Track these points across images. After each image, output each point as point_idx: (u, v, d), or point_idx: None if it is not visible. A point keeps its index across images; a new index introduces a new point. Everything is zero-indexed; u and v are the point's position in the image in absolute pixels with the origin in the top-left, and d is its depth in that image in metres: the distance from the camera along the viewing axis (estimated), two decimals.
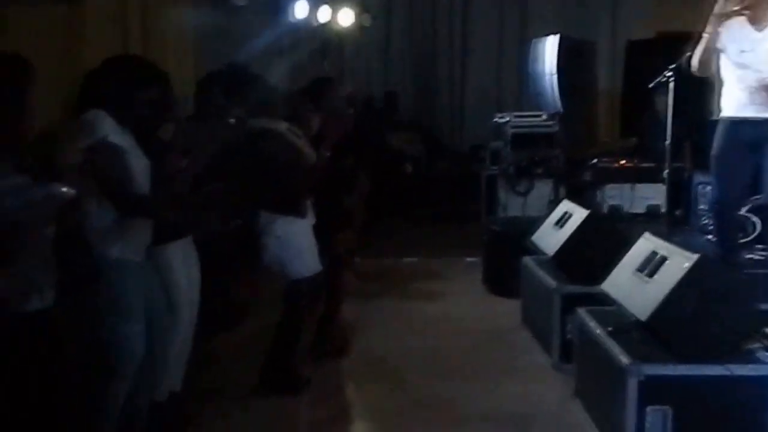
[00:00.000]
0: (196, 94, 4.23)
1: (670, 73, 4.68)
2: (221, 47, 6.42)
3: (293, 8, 7.83)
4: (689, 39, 4.22)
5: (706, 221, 5.52)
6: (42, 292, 2.44)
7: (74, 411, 2.72)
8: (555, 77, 7.25)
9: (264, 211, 3.97)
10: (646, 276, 3.44)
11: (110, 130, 2.89)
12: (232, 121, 4.57)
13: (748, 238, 5.16)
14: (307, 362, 4.18)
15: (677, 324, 3.13)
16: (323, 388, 4.11)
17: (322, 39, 8.49)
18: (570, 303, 4.10)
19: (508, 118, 7.16)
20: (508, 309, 5.29)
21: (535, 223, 5.30)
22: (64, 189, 2.41)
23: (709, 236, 5.02)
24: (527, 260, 5.01)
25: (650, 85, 4.97)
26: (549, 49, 7.46)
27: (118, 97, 3.01)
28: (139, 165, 3.02)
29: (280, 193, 3.92)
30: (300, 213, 3.98)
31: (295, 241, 3.95)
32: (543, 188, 6.79)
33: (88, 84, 3.16)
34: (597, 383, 3.54)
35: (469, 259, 6.70)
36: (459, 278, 6.39)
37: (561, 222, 4.90)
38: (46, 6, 5.08)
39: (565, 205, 5.11)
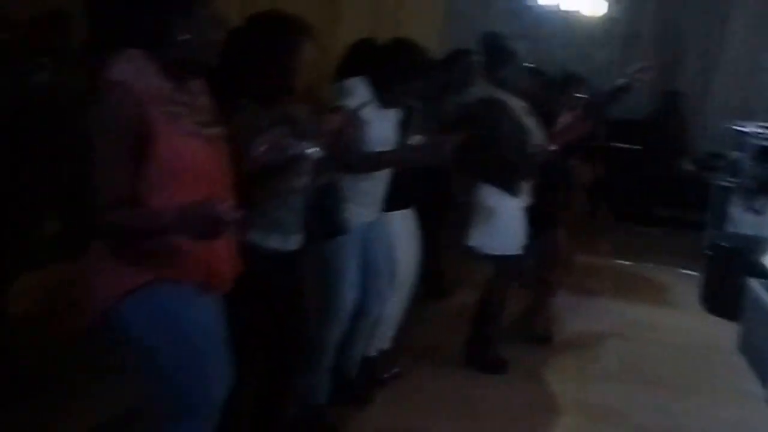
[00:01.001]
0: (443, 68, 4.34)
1: None
2: (467, 25, 6.51)
3: None
4: None
5: None
6: (287, 236, 2.65)
7: (297, 347, 2.92)
8: None
9: (478, 181, 3.99)
10: None
11: (366, 99, 3.05)
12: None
13: None
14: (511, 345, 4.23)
15: None
16: (518, 373, 4.14)
17: (566, 27, 8.33)
18: None
19: (755, 128, 6.67)
20: (724, 330, 5.01)
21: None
22: (315, 149, 2.56)
23: None
24: (754, 283, 4.71)
25: None
26: None
27: (388, 84, 3.19)
28: (378, 137, 3.19)
29: (497, 165, 3.92)
30: (513, 191, 3.96)
31: (503, 218, 3.94)
32: None
33: (353, 54, 3.38)
34: None
35: (684, 271, 6.41)
36: (673, 289, 6.12)
37: None
38: None
39: None
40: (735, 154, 6.63)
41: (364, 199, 3.23)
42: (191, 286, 2.09)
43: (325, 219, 2.87)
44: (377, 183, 3.28)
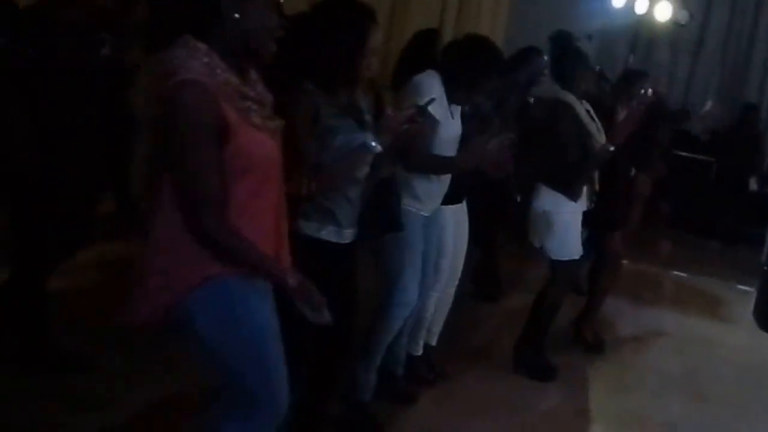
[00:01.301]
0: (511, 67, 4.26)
1: None
2: (536, 28, 6.38)
3: None
4: None
5: None
6: (341, 229, 2.60)
7: (346, 342, 2.88)
8: None
9: (538, 182, 3.91)
10: None
11: (435, 96, 3.00)
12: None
13: None
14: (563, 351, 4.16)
15: None
16: (568, 381, 4.05)
17: (635, 31, 8.15)
18: None
19: None
20: None
21: None
22: (375, 143, 2.51)
23: None
24: None
25: None
26: None
27: (462, 82, 3.14)
28: (447, 134, 3.14)
29: (558, 167, 3.84)
30: (573, 194, 3.86)
31: (561, 222, 3.86)
32: None
33: (417, 44, 3.33)
34: None
35: (741, 287, 6.26)
36: (728, 305, 5.99)
37: None
38: None
39: None
40: None
41: (425, 194, 3.19)
42: (258, 281, 2.07)
43: (381, 214, 2.82)
44: (441, 180, 3.24)
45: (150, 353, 3.27)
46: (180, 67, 1.88)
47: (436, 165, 3.17)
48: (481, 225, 3.90)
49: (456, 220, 3.61)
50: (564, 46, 3.88)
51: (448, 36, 4.98)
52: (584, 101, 3.91)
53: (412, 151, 2.95)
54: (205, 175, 1.89)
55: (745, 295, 5.95)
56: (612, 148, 3.75)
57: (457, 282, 3.76)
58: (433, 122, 3.05)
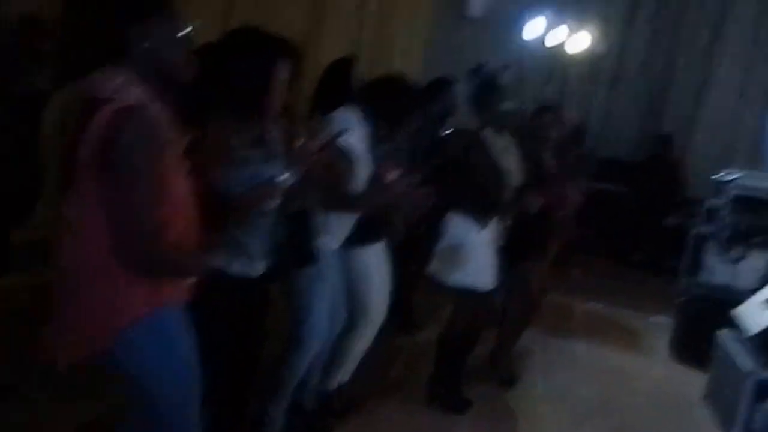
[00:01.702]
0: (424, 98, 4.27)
1: None
2: (449, 58, 6.47)
3: (528, 26, 7.70)
4: None
5: None
6: (251, 261, 2.56)
7: (253, 374, 2.83)
8: None
9: (449, 212, 3.91)
10: None
11: (355, 131, 2.99)
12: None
13: None
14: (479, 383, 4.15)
15: None
16: (483, 414, 4.04)
17: (550, 61, 8.32)
18: (764, 390, 3.79)
19: (734, 176, 6.65)
20: (692, 381, 4.94)
21: (743, 295, 4.91)
22: (287, 176, 2.48)
23: None
24: (724, 334, 4.66)
25: None
26: None
27: (383, 118, 3.14)
28: (367, 172, 3.12)
29: (467, 195, 3.85)
30: (480, 221, 3.86)
31: (468, 251, 3.86)
32: (759, 259, 6.26)
33: (332, 77, 3.32)
34: None
35: (655, 318, 6.36)
36: (643, 336, 6.07)
37: None
38: None
39: None
40: (712, 202, 6.62)
41: (336, 227, 3.16)
42: (180, 310, 2.06)
43: (295, 247, 2.79)
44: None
45: (71, 380, 3.18)
46: (118, 93, 1.84)
47: (348, 203, 3.14)
48: (396, 255, 3.87)
49: (378, 259, 3.58)
50: (481, 78, 3.93)
51: (364, 66, 4.99)
52: (504, 132, 3.94)
53: (327, 188, 2.94)
54: (148, 206, 1.86)
55: (661, 326, 6.04)
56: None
57: (381, 319, 3.71)
58: (349, 159, 3.04)
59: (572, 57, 8.45)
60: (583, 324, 6.16)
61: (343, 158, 2.95)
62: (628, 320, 6.45)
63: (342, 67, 3.95)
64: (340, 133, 2.84)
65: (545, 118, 4.33)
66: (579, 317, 6.33)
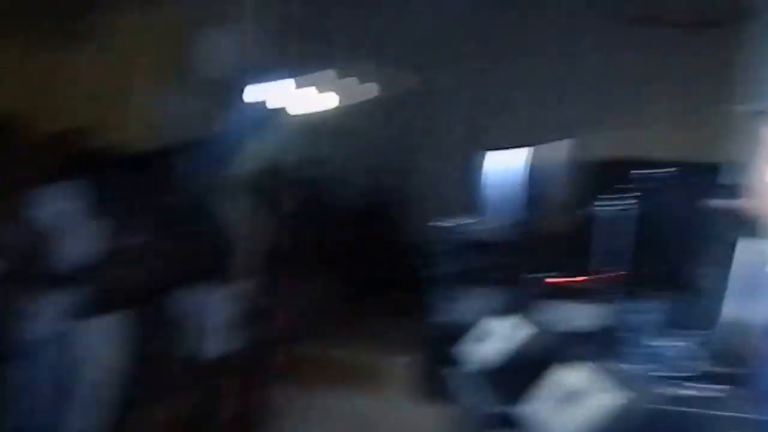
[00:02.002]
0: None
1: None
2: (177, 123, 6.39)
3: (251, 90, 7.78)
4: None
5: None
6: None
7: None
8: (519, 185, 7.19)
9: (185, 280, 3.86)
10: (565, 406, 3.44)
11: (66, 207, 2.88)
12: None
13: None
14: None
15: None
16: None
17: (274, 121, 8.42)
18: (491, 424, 4.07)
19: (455, 222, 7.14)
20: (433, 417, 5.22)
21: (469, 331, 5.28)
22: None
23: None
24: (452, 371, 4.99)
25: None
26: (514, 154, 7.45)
27: (102, 186, 3.04)
28: (82, 246, 3.01)
29: (199, 259, 3.84)
30: (215, 282, 3.85)
31: (207, 314, 3.84)
32: (478, 297, 6.76)
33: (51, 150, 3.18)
34: None
35: (401, 358, 6.66)
36: (389, 376, 6.30)
37: (496, 336, 4.89)
38: None
39: (506, 319, 5.09)
40: (436, 246, 7.09)
41: (44, 309, 3.00)
42: None
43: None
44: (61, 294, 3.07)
45: None
46: None
47: (52, 281, 3.00)
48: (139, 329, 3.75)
49: (107, 336, 3.44)
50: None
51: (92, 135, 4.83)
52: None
53: (22, 269, 2.80)
54: None
55: (405, 366, 6.28)
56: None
57: (108, 399, 3.56)
58: (50, 235, 2.92)
59: (302, 115, 8.65)
60: (327, 372, 6.24)
61: (39, 236, 2.83)
62: (373, 362, 6.64)
63: (63, 139, 3.80)
64: (41, 211, 2.75)
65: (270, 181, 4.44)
66: (322, 365, 6.41)
